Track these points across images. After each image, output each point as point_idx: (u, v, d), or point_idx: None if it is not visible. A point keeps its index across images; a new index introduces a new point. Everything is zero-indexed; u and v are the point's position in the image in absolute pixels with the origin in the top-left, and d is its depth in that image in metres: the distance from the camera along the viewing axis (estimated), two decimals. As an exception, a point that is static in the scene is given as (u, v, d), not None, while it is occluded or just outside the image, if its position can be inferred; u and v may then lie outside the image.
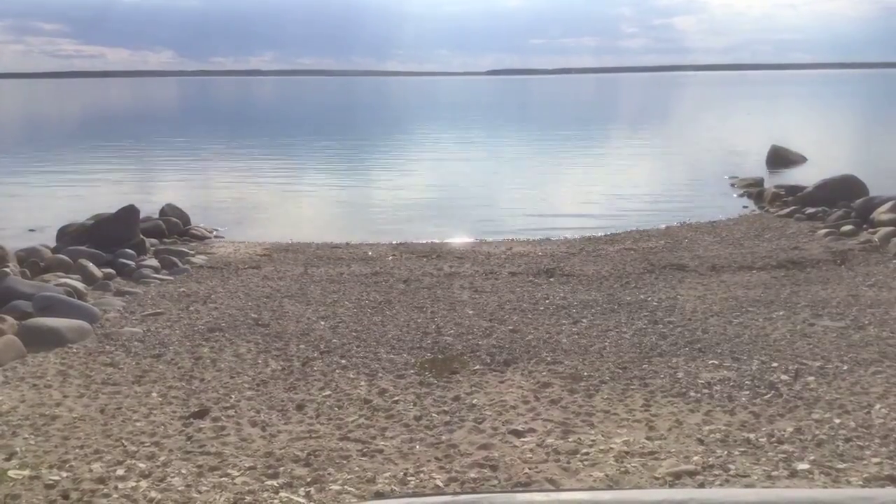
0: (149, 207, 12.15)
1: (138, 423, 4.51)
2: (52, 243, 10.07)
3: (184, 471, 3.88)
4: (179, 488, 3.70)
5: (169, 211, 12.31)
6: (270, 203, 15.51)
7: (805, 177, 16.03)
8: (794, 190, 13.60)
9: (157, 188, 17.11)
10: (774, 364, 5.26)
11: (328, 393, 4.99)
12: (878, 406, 4.48)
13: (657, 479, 3.70)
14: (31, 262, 8.59)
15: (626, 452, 3.98)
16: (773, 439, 4.08)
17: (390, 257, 9.79)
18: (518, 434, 4.25)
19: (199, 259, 9.84)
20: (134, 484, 3.74)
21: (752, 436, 4.13)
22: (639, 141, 28.38)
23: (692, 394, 4.80)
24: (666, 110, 52.55)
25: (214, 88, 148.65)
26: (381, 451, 4.08)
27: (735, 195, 15.12)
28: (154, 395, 5.01)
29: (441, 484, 3.71)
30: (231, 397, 4.94)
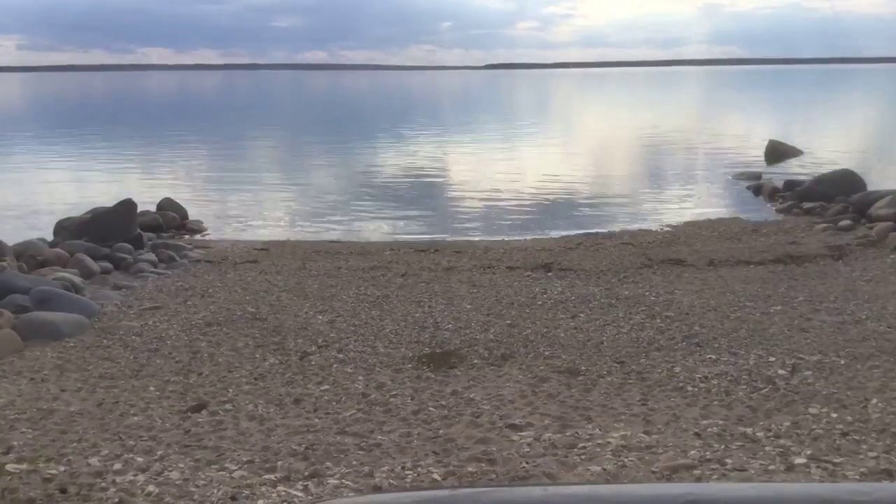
0: (146, 201, 12.13)
1: (136, 418, 4.51)
2: (50, 237, 10.05)
3: (181, 464, 3.88)
4: (177, 482, 3.70)
5: (166, 205, 12.29)
6: (268, 198, 15.49)
7: (803, 171, 16.07)
8: (792, 184, 13.61)
9: (155, 182, 17.07)
10: (772, 358, 5.27)
11: (326, 387, 4.99)
12: (875, 400, 4.49)
13: (654, 473, 3.70)
14: (29, 256, 8.57)
15: (624, 447, 3.98)
16: (771, 434, 4.09)
17: (388, 252, 9.78)
18: (516, 428, 4.25)
19: (196, 253, 9.83)
20: (132, 478, 3.74)
21: (749, 430, 4.14)
22: (636, 136, 28.35)
23: (689, 388, 4.81)
24: (651, 106, 52.43)
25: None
26: (378, 446, 4.08)
27: (733, 189, 15.13)
28: (151, 389, 5.00)
29: (439, 478, 3.72)
30: (228, 391, 4.94)
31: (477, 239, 11.01)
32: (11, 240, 9.12)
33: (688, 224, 11.60)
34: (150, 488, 3.64)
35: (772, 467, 3.72)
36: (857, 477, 3.60)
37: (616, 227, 11.60)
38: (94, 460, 3.93)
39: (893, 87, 72.33)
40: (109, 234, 9.67)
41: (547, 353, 5.58)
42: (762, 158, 19.13)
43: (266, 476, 3.76)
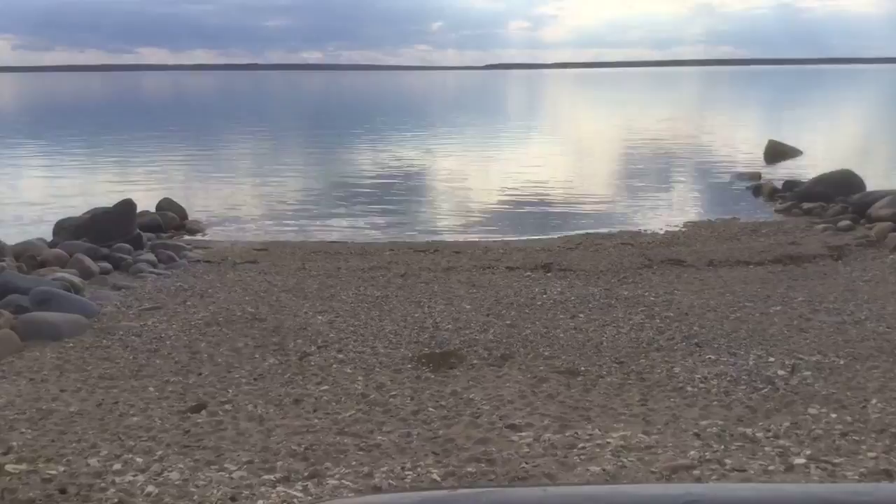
0: (146, 201, 12.13)
1: (135, 418, 4.51)
2: (49, 237, 10.04)
3: (181, 465, 3.88)
4: (176, 482, 3.70)
5: (166, 205, 12.29)
6: (268, 198, 15.48)
7: (802, 170, 16.07)
8: (791, 185, 13.62)
9: (154, 182, 17.07)
10: (771, 359, 5.27)
11: (325, 387, 4.99)
12: (874, 401, 4.49)
13: (654, 473, 3.70)
14: (28, 256, 8.57)
15: (623, 447, 3.98)
16: (770, 434, 4.09)
17: (388, 252, 9.77)
18: (515, 429, 4.25)
19: (196, 253, 9.82)
20: (131, 478, 3.75)
21: (748, 430, 4.14)
22: (635, 136, 28.36)
23: (689, 389, 4.81)
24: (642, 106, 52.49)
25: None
26: (378, 446, 4.09)
27: (733, 190, 15.13)
28: (151, 389, 5.00)
29: (438, 478, 3.72)
30: (228, 392, 4.93)
31: (476, 239, 11.01)
32: (11, 240, 9.13)
33: (687, 224, 11.61)
34: (150, 489, 3.64)
35: (771, 468, 3.73)
36: (857, 477, 3.60)
37: (616, 228, 11.59)
38: (93, 461, 3.93)
39: (890, 87, 72.43)
40: (109, 234, 9.67)
41: (546, 353, 5.58)
42: (761, 158, 19.14)
43: (266, 476, 3.76)
